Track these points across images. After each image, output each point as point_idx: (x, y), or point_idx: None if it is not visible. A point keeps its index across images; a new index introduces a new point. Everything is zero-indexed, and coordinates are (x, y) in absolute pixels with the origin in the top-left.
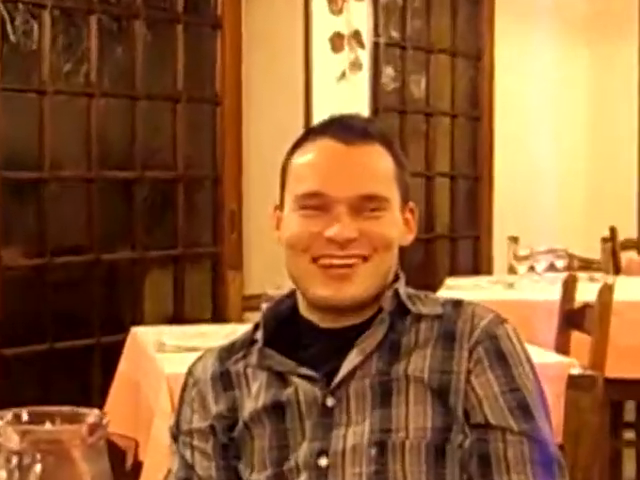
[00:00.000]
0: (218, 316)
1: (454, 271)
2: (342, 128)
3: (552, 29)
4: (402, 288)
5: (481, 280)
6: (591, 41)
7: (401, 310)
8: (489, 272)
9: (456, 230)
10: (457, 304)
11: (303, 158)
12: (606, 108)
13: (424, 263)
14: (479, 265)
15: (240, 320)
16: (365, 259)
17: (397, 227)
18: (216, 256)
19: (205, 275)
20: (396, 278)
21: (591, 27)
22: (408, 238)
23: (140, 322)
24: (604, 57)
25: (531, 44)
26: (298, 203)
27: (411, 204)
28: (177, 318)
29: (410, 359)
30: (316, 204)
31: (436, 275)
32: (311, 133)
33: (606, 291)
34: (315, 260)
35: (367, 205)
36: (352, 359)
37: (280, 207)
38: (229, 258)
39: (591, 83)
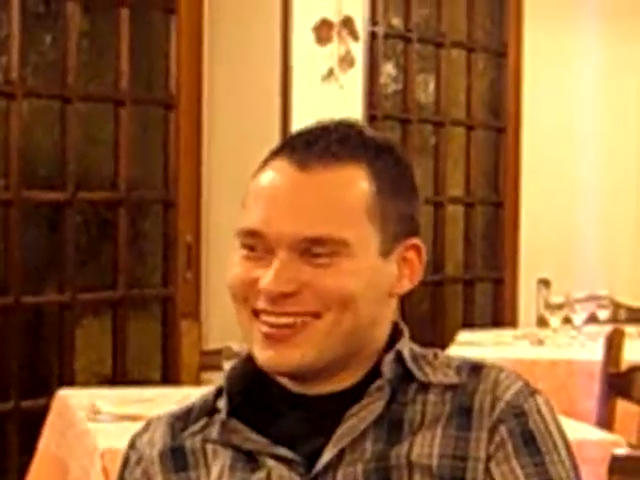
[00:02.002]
0: (169, 376)
1: (469, 323)
2: (300, 146)
3: (598, 18)
4: (406, 348)
5: (503, 335)
6: None
7: (404, 376)
8: (513, 324)
9: (472, 271)
10: (476, 369)
11: (253, 185)
12: None
13: (431, 312)
14: (501, 315)
15: (196, 382)
16: (316, 316)
17: (364, 276)
18: (167, 300)
19: (153, 324)
20: (397, 333)
21: None
22: (404, 284)
23: (70, 383)
24: None
25: (569, 37)
26: (239, 240)
27: (414, 240)
28: (117, 379)
29: (415, 440)
30: (255, 244)
31: (446, 328)
32: (271, 152)
33: None
34: (256, 314)
35: (316, 249)
36: (340, 438)
37: None
38: (183, 303)
39: None
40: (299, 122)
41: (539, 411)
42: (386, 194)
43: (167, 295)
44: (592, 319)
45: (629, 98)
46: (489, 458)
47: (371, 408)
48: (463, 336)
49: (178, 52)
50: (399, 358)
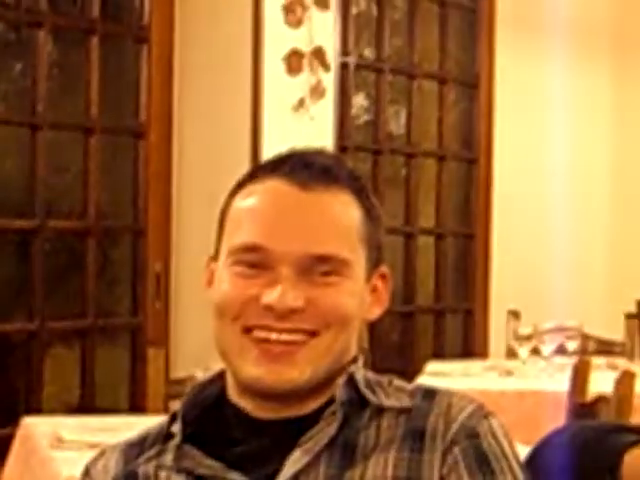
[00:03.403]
0: (136, 405)
1: (439, 353)
2: (299, 167)
3: (568, 49)
4: (360, 373)
5: (472, 366)
6: (616, 64)
7: (358, 401)
8: (484, 355)
9: (443, 301)
10: (429, 393)
11: (245, 202)
12: (636, 151)
13: (401, 343)
14: (471, 346)
15: (163, 410)
16: (313, 334)
17: (358, 297)
18: (135, 329)
19: (121, 353)
20: (353, 360)
21: (617, 46)
22: (375, 312)
23: (37, 411)
24: (634, 85)
25: (541, 68)
26: (233, 257)
27: (383, 269)
28: (84, 407)
29: (368, 464)
30: (255, 260)
31: (416, 358)
32: (260, 170)
33: (626, 380)
34: (248, 331)
35: (320, 267)
36: (294, 462)
37: (215, 259)
38: (152, 332)
39: (617, 120)
40: (269, 152)
41: (493, 433)
42: (369, 221)
43: (136, 324)
44: (561, 350)
45: (601, 129)
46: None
47: (325, 432)
48: (432, 367)
49: (149, 81)
50: (351, 381)
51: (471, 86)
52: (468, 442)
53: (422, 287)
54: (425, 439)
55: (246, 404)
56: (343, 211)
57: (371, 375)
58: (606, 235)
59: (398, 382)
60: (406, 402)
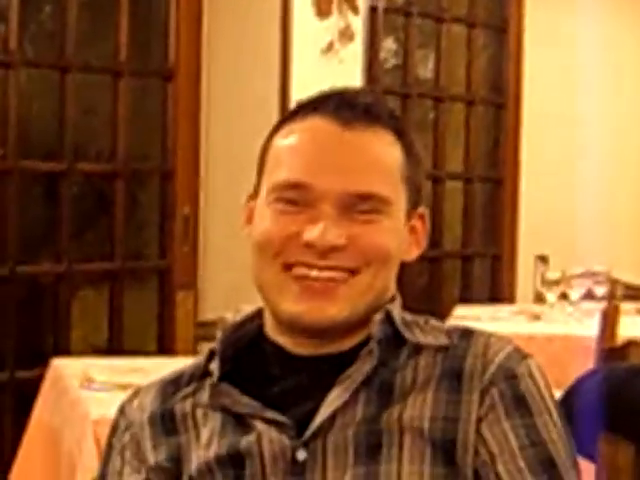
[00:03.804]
0: (165, 347)
1: (466, 298)
2: (340, 105)
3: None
4: (397, 311)
5: (500, 310)
6: None
7: (395, 339)
8: (511, 300)
9: (470, 247)
10: (466, 333)
11: (287, 140)
12: None
13: (428, 288)
14: (498, 291)
15: (192, 352)
16: (354, 272)
17: (398, 237)
18: (164, 272)
19: (149, 296)
20: (390, 299)
21: None
22: (413, 252)
23: (65, 353)
24: None
25: (571, 13)
26: (274, 194)
27: (422, 210)
28: (113, 349)
29: (406, 403)
30: (296, 198)
31: (443, 303)
32: (302, 109)
33: None
34: (288, 268)
35: (361, 206)
36: (332, 401)
37: (254, 197)
38: (180, 275)
39: None
40: (298, 95)
41: (531, 374)
42: (410, 162)
43: (164, 267)
44: (589, 295)
45: (633, 75)
46: (480, 420)
47: (361, 370)
48: (460, 311)
49: (177, 23)
50: (388, 319)
51: (500, 30)
52: (506, 383)
53: (450, 232)
54: (463, 379)
55: (285, 341)
56: (385, 150)
57: (407, 315)
58: (635, 181)
59: (434, 321)
60: (443, 340)
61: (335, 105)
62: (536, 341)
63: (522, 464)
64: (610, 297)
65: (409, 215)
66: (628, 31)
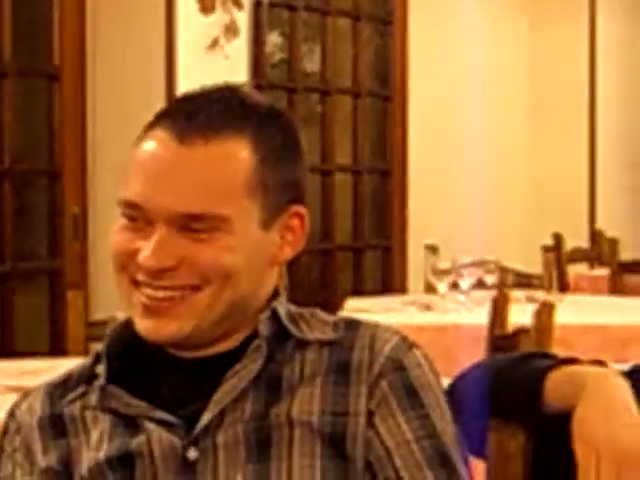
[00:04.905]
0: (56, 348)
1: (358, 290)
2: (182, 116)
3: None
4: (282, 307)
5: (392, 301)
6: (533, 3)
7: (281, 335)
8: (403, 291)
9: (361, 239)
10: (352, 325)
11: (136, 153)
12: (552, 87)
13: (320, 280)
14: (390, 282)
15: (83, 353)
16: (194, 289)
17: (246, 249)
18: (54, 273)
19: (40, 296)
20: (274, 294)
21: None
22: (286, 252)
23: None
24: (549, 24)
25: (455, 4)
26: (120, 209)
27: (296, 208)
28: (4, 351)
29: (294, 398)
30: (135, 215)
31: (336, 295)
32: (156, 116)
33: (545, 312)
34: (136, 284)
35: (196, 225)
36: (220, 399)
37: None
38: (70, 274)
39: (534, 56)
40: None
41: (419, 364)
42: (269, 164)
43: (54, 267)
44: (480, 284)
45: (516, 63)
46: (372, 413)
47: (249, 368)
48: (352, 303)
49: (61, 22)
50: (274, 316)
51: (385, 23)
52: (396, 375)
53: (340, 224)
54: (350, 372)
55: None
56: (225, 164)
57: (294, 308)
58: (523, 170)
59: (321, 314)
60: (329, 334)
61: (176, 117)
62: (428, 331)
63: (420, 457)
64: (500, 285)
65: (271, 219)
66: (512, 16)
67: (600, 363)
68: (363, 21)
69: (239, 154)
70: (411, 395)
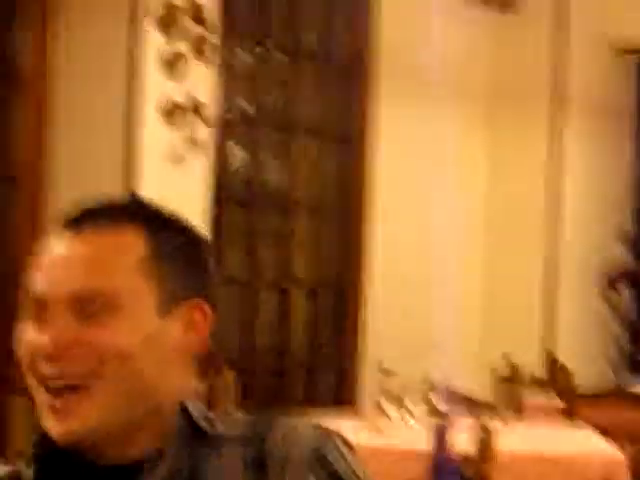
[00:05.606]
0: None
1: (312, 399)
2: (79, 212)
3: (445, 105)
4: (195, 406)
5: (343, 424)
6: (492, 120)
7: (195, 434)
8: (355, 413)
9: (316, 356)
10: (267, 420)
11: (37, 258)
12: (508, 212)
13: (273, 391)
14: (342, 395)
15: None
16: (96, 376)
17: (141, 333)
18: None
19: None
20: (186, 394)
21: (493, 105)
22: (190, 338)
23: None
24: (507, 143)
25: (420, 124)
26: (27, 312)
27: (198, 301)
28: None
29: None
30: (39, 311)
31: (288, 406)
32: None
33: (488, 439)
34: (42, 382)
35: (88, 308)
36: None
37: None
38: None
39: (493, 181)
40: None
41: (342, 454)
42: (165, 255)
43: None
44: (432, 410)
45: (476, 184)
46: None
47: (162, 469)
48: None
49: (26, 124)
50: (185, 414)
51: (347, 141)
52: (318, 465)
53: (295, 339)
54: (268, 466)
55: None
56: (113, 245)
57: (204, 409)
58: (476, 287)
59: (234, 413)
60: (244, 430)
61: (75, 214)
62: (377, 454)
63: None
64: (449, 412)
65: (166, 308)
66: (474, 138)
67: None
68: (327, 139)
69: (131, 239)
70: None
